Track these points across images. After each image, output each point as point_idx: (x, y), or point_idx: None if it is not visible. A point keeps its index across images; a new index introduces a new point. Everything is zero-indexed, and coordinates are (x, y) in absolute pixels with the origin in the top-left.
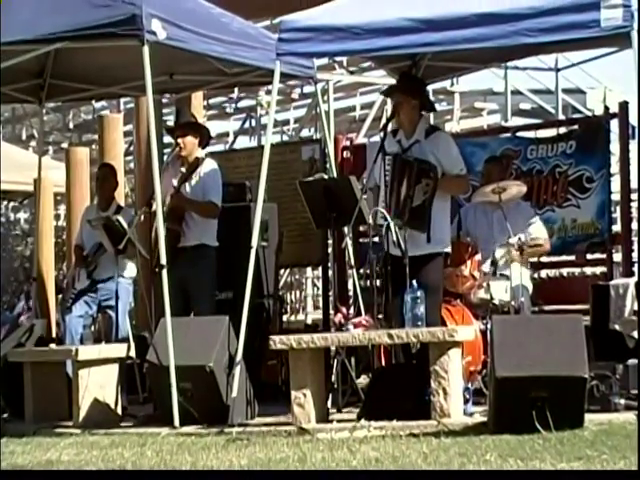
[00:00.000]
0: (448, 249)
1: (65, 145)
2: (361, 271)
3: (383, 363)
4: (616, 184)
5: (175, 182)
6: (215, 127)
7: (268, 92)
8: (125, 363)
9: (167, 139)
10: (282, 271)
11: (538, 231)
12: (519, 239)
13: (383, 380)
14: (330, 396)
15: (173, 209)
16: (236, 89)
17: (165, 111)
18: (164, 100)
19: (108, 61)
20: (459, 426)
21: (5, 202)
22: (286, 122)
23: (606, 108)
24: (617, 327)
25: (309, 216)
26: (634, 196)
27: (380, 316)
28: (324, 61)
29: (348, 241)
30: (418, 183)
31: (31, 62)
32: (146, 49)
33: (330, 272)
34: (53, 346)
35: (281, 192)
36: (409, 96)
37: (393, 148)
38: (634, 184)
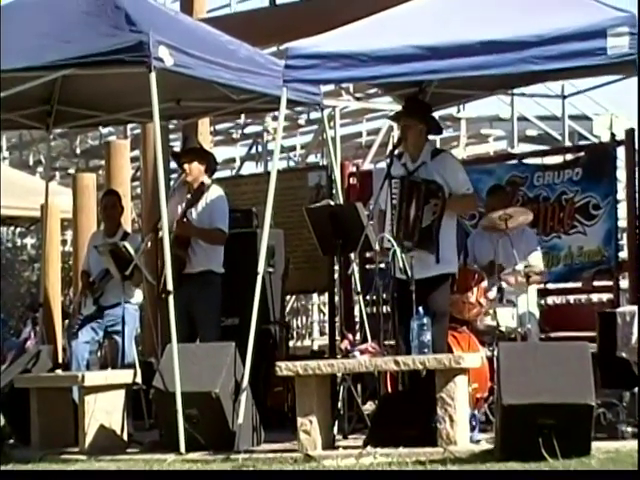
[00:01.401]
0: (455, 269)
1: (72, 171)
2: (367, 297)
3: (389, 390)
4: (623, 211)
5: (181, 209)
6: (222, 153)
7: (275, 118)
8: (131, 389)
9: (174, 165)
10: (288, 297)
11: (536, 261)
12: (525, 266)
13: (389, 407)
14: (336, 423)
15: (179, 236)
16: (243, 115)
17: (172, 137)
18: (171, 126)
19: (115, 88)
20: (465, 453)
21: (12, 227)
22: (293, 148)
23: (612, 135)
24: (624, 355)
25: (315, 242)
26: None
27: (387, 342)
28: (330, 87)
29: (354, 267)
30: (427, 204)
31: (39, 88)
32: (153, 76)
33: (336, 298)
34: (59, 372)
35: (287, 218)
36: (416, 120)
37: (399, 171)
38: None
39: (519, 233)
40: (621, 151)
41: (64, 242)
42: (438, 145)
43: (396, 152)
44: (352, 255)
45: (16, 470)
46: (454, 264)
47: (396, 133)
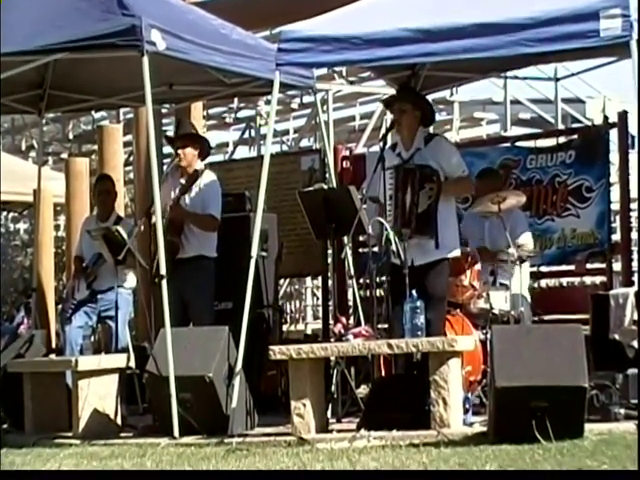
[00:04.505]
0: (455, 253)
1: (65, 156)
2: (361, 281)
3: (383, 373)
4: (615, 194)
5: (174, 194)
6: (215, 137)
7: (267, 102)
8: (125, 374)
9: (167, 149)
10: (282, 281)
11: (526, 240)
12: (517, 246)
13: (383, 390)
14: (330, 406)
15: (172, 221)
16: (236, 99)
17: (165, 121)
18: (163, 110)
19: (108, 72)
20: (459, 436)
21: (5, 213)
22: (285, 132)
23: (605, 118)
24: (617, 337)
25: (309, 226)
26: (634, 206)
27: (380, 326)
28: (323, 71)
29: (348, 251)
30: (422, 189)
31: (31, 73)
32: (145, 59)
33: (330, 282)
34: (53, 357)
35: (280, 202)
36: (413, 106)
37: (394, 162)
38: (634, 194)
39: (508, 215)
40: (614, 134)
41: (57, 227)
42: (431, 129)
43: (390, 142)
44: (345, 239)
45: (17, 471)
46: (455, 248)
47: (389, 117)
